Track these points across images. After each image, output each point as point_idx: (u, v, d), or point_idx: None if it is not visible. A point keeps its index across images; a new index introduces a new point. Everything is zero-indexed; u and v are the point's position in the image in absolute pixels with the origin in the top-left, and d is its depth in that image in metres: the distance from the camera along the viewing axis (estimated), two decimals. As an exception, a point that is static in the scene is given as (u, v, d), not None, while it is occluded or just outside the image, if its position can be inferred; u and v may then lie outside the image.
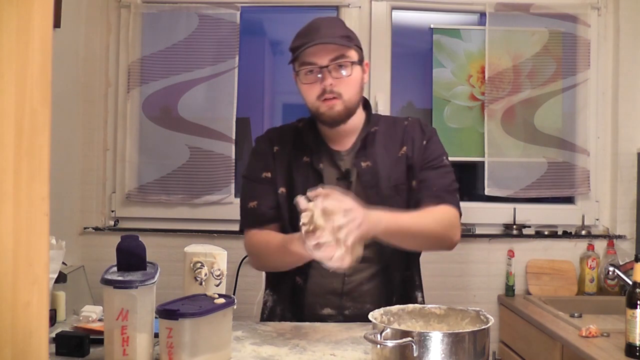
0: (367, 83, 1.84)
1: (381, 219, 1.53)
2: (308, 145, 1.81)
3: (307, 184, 1.75)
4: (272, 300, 1.85)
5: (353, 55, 1.71)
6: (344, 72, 1.69)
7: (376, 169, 1.77)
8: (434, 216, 1.69)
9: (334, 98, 1.69)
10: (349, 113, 1.74)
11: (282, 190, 1.79)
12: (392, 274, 1.77)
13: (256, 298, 1.98)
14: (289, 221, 1.76)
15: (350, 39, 1.72)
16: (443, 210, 1.72)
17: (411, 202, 1.76)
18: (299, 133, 1.85)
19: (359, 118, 1.80)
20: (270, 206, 1.79)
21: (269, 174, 1.81)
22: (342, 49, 1.68)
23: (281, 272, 1.78)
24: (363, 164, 1.77)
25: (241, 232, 1.86)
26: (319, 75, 1.69)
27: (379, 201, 1.74)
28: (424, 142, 1.80)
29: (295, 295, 1.77)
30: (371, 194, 1.74)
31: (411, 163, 1.78)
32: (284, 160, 1.81)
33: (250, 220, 1.81)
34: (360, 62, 1.75)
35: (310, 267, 1.72)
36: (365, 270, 1.75)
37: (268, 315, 1.85)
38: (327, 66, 1.67)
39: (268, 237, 1.75)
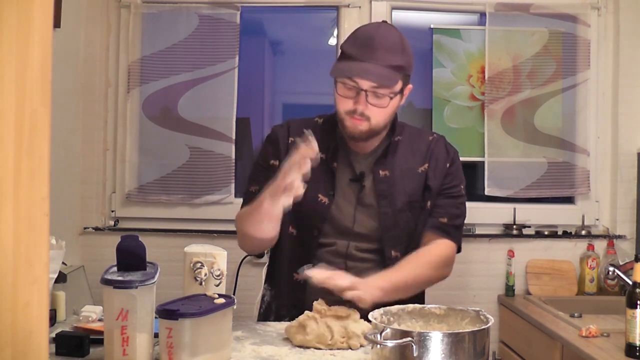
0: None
1: (377, 287, 1.59)
2: (325, 143, 1.80)
3: (318, 181, 1.75)
4: (270, 295, 1.85)
5: (397, 87, 1.69)
6: (380, 102, 1.68)
7: (393, 180, 1.76)
8: (429, 260, 1.73)
9: (362, 119, 1.69)
10: (372, 134, 1.74)
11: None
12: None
13: (256, 298, 1.98)
14: (291, 215, 1.74)
15: (399, 70, 1.67)
16: (442, 247, 1.75)
17: (420, 221, 1.77)
18: (319, 129, 1.83)
19: None
20: None
21: (276, 162, 1.79)
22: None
23: (281, 267, 1.78)
24: (381, 172, 1.76)
25: None
26: (356, 95, 1.67)
27: (391, 213, 1.74)
28: (447, 165, 1.80)
29: (293, 291, 1.77)
30: (384, 204, 1.74)
31: (430, 183, 1.78)
32: None
33: (246, 203, 1.82)
34: (402, 89, 1.72)
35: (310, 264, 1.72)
36: (365, 272, 1.74)
37: (265, 310, 1.84)
38: (366, 90, 1.66)
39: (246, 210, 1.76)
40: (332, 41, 3.36)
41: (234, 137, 3.07)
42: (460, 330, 1.25)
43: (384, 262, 1.74)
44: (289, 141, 1.81)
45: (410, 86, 1.76)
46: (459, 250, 1.83)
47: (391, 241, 1.74)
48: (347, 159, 1.79)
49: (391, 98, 1.68)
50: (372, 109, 1.68)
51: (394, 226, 1.74)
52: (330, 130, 1.82)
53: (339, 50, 1.74)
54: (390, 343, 1.20)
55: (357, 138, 1.74)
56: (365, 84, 1.65)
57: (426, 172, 1.78)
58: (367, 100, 1.66)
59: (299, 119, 1.91)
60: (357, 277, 1.63)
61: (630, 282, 1.94)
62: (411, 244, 1.76)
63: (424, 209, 1.77)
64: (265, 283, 1.90)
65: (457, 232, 1.80)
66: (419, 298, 1.85)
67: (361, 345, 1.45)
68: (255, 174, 1.85)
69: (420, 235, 1.77)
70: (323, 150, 1.79)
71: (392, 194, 1.75)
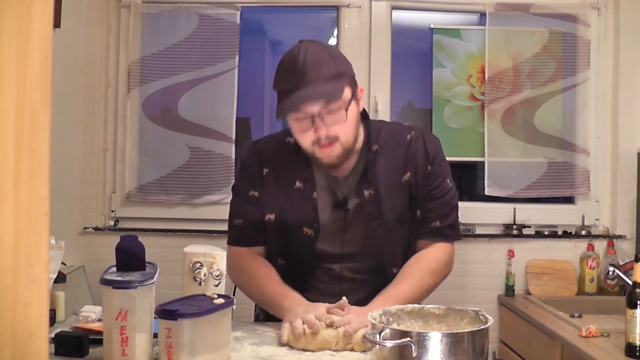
0: (363, 106, 1.71)
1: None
2: (301, 172, 1.70)
3: (300, 214, 1.68)
4: (264, 315, 1.80)
5: (346, 94, 1.56)
6: (338, 117, 1.56)
7: (380, 198, 1.67)
8: (430, 266, 1.68)
9: (330, 143, 1.58)
10: (347, 153, 1.64)
11: (269, 217, 1.71)
12: (387, 283, 1.71)
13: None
14: (277, 249, 1.72)
15: (340, 77, 1.56)
16: (439, 251, 1.71)
17: (413, 231, 1.72)
18: (291, 152, 1.72)
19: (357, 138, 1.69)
20: (256, 227, 1.73)
21: (256, 194, 1.73)
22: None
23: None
24: (366, 192, 1.67)
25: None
26: (312, 123, 1.56)
27: (383, 233, 1.68)
28: (429, 167, 1.70)
29: None
30: (376, 226, 1.67)
31: (415, 191, 1.70)
32: (273, 184, 1.72)
33: (234, 237, 1.76)
34: (354, 94, 1.61)
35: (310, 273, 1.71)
36: (359, 292, 1.71)
37: (263, 318, 1.83)
38: (319, 114, 1.55)
39: (253, 264, 1.72)
40: (332, 41, 3.36)
41: (234, 137, 3.07)
42: (459, 331, 1.24)
43: (384, 281, 1.69)
44: (264, 173, 1.73)
45: (361, 87, 1.66)
46: (459, 238, 1.77)
47: (391, 260, 1.70)
48: (326, 185, 1.70)
49: (346, 108, 1.57)
50: (334, 128, 1.57)
51: (391, 245, 1.69)
52: (303, 155, 1.69)
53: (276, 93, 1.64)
54: (389, 343, 1.20)
55: (336, 164, 1.65)
56: (314, 108, 1.54)
57: (409, 182, 1.69)
58: (324, 122, 1.55)
59: (267, 140, 1.81)
60: (355, 300, 1.58)
61: (630, 282, 1.94)
62: (408, 257, 1.72)
63: (415, 219, 1.71)
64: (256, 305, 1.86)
65: (453, 230, 1.74)
66: None
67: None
68: (237, 205, 1.77)
69: (415, 243, 1.72)
70: (300, 178, 1.70)
71: (382, 213, 1.67)
